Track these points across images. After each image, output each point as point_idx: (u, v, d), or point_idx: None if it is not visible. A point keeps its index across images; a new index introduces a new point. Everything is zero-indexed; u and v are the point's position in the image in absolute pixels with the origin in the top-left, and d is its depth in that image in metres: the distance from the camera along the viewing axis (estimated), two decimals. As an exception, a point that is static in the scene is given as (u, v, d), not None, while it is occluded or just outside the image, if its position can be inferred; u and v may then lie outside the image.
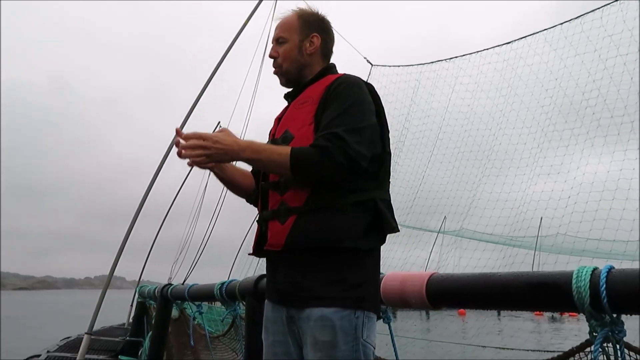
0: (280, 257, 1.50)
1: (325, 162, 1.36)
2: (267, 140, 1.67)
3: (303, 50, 1.63)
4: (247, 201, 1.74)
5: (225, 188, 1.76)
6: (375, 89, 1.58)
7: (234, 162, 1.64)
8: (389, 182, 1.56)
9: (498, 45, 9.65)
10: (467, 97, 10.27)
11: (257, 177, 1.68)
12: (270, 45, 1.73)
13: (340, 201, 1.41)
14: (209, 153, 1.37)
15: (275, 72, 1.68)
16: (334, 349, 1.35)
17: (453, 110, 10.48)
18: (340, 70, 1.70)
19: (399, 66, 11.27)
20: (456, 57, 10.40)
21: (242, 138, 1.47)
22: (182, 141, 1.40)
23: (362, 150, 1.39)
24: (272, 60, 1.67)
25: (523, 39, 9.25)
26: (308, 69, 1.64)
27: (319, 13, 1.69)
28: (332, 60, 1.72)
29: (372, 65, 11.44)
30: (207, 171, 1.63)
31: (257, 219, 1.61)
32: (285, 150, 1.41)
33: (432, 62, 10.71)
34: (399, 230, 1.51)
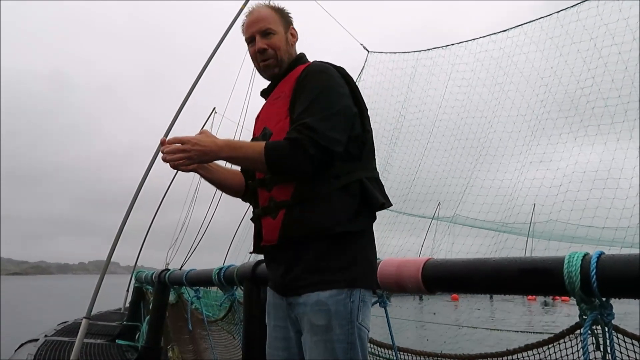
0: (276, 250, 1.54)
1: (297, 155, 1.38)
2: (251, 140, 1.68)
3: (289, 41, 1.66)
4: (243, 200, 1.77)
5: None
6: (355, 74, 1.59)
7: (218, 162, 1.64)
8: (375, 159, 1.59)
9: (495, 33, 9.63)
10: (463, 85, 10.27)
11: (247, 176, 1.71)
12: None
13: (325, 189, 1.43)
14: (189, 155, 1.40)
15: (264, 65, 1.64)
16: (329, 332, 1.39)
17: (449, 98, 10.48)
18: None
19: (395, 53, 11.24)
20: (452, 44, 10.37)
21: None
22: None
23: (334, 136, 1.41)
24: (259, 54, 1.63)
25: (519, 26, 9.24)
26: (290, 61, 1.66)
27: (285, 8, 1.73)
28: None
29: (368, 51, 11.40)
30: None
31: (251, 217, 1.65)
32: (260, 146, 1.43)
33: (429, 49, 10.68)
34: (390, 205, 1.53)
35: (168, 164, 1.45)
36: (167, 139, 1.47)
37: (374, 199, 1.46)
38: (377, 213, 1.55)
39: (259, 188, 1.58)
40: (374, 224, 1.55)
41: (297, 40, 1.69)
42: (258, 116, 1.71)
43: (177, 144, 1.41)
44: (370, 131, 1.57)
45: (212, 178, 1.69)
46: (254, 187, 1.61)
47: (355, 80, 1.61)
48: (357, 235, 1.46)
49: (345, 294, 1.40)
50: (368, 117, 1.58)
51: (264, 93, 1.71)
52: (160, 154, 1.48)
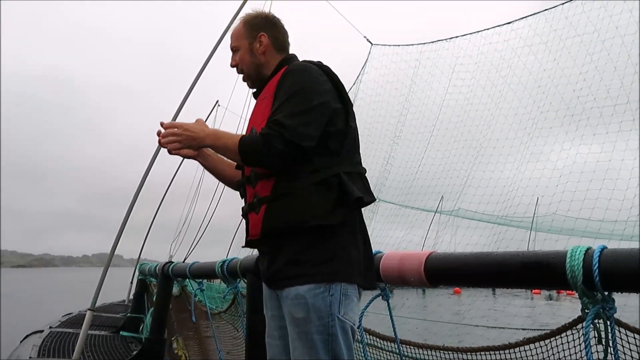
0: (260, 244, 1.62)
1: (266, 149, 1.46)
2: None
3: (254, 51, 1.74)
4: (240, 194, 1.82)
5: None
6: (337, 71, 1.66)
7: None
8: (359, 154, 1.63)
9: (499, 25, 9.55)
10: (467, 78, 10.21)
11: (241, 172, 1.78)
12: None
13: (303, 183, 1.48)
14: (179, 139, 1.57)
15: (242, 79, 1.80)
16: (308, 324, 1.43)
17: (453, 91, 10.43)
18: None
19: (399, 45, 11.16)
20: (456, 36, 10.29)
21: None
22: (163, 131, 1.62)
23: (305, 131, 1.45)
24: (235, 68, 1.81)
25: (524, 19, 9.16)
26: (265, 67, 1.74)
27: (263, 12, 1.80)
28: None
29: (372, 44, 11.32)
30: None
31: (241, 213, 1.71)
32: (237, 138, 1.54)
33: (433, 42, 10.60)
34: (373, 201, 1.57)
35: (164, 148, 1.60)
36: (164, 123, 1.62)
37: (351, 194, 1.49)
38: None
39: (246, 185, 1.65)
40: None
41: (266, 46, 1.73)
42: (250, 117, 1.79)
43: (171, 129, 1.57)
44: (353, 127, 1.61)
45: (209, 166, 1.84)
46: (243, 183, 1.67)
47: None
48: (336, 228, 1.48)
49: (324, 288, 1.44)
50: (353, 113, 1.63)
51: (255, 95, 1.78)
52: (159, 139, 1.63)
